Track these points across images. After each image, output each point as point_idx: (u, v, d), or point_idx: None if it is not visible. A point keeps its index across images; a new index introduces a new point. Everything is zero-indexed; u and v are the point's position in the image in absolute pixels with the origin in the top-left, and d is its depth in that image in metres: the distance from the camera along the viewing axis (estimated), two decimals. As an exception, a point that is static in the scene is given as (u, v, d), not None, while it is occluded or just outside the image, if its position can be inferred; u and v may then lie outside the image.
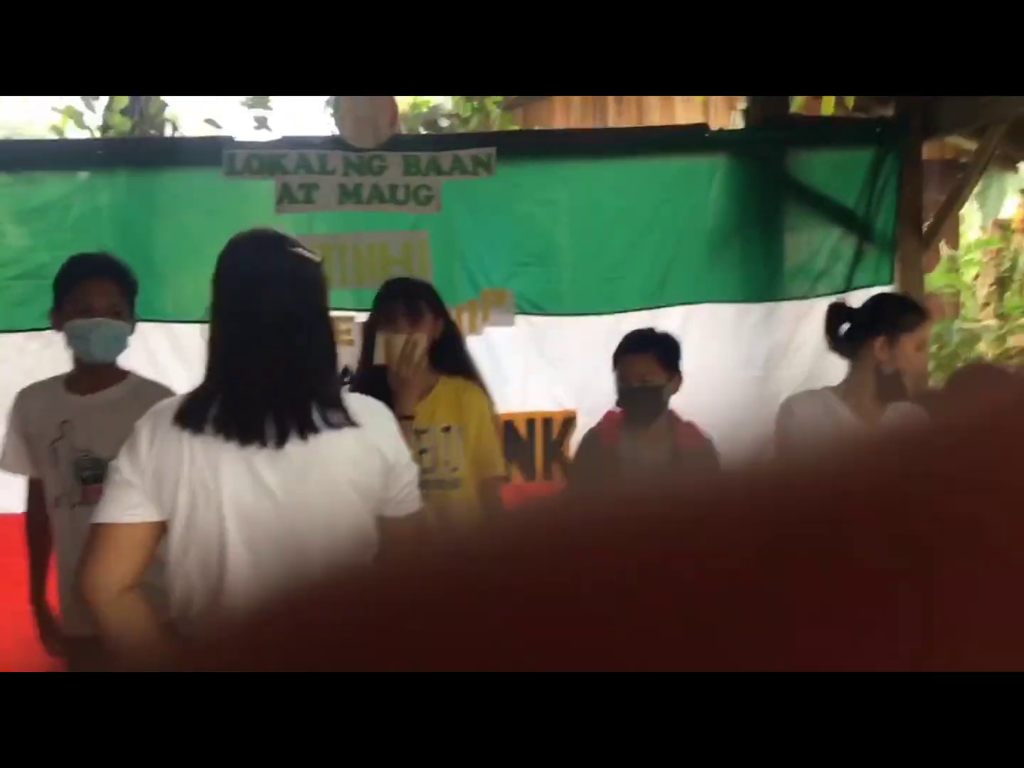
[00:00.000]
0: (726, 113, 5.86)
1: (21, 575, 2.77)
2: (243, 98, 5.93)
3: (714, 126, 3.38)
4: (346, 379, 3.19)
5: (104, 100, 5.80)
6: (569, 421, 3.28)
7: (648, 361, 2.65)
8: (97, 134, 5.82)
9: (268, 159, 3.12)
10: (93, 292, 2.38)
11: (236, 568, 1.53)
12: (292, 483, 1.54)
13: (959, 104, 3.19)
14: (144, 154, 3.29)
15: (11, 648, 2.94)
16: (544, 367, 3.26)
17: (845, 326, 2.56)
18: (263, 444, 1.53)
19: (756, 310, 3.29)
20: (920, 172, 3.29)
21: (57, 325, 2.42)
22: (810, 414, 2.53)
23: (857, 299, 3.17)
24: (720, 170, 3.27)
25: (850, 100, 4.08)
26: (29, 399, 2.49)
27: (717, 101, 5.70)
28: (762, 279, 3.30)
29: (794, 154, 3.30)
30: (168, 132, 5.62)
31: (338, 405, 1.58)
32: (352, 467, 1.58)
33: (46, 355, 3.05)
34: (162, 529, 1.55)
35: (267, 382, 1.55)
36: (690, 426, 2.75)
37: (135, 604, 1.53)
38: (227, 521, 1.53)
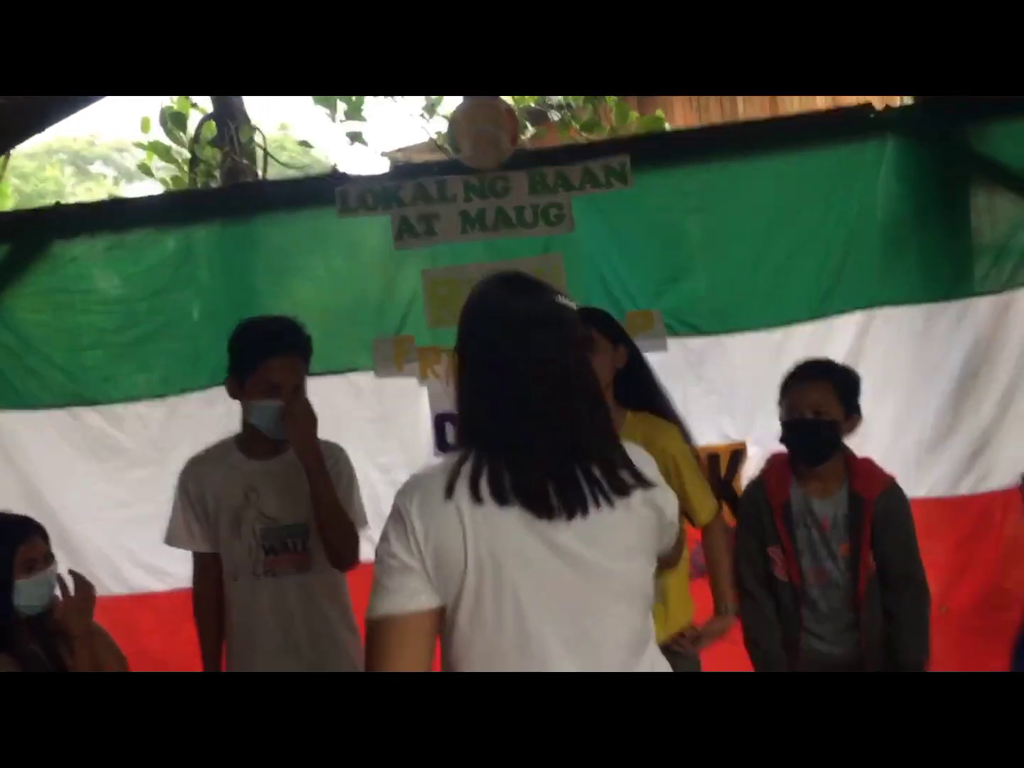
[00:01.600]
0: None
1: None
2: (336, 114, 6.11)
3: (876, 104, 3.30)
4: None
5: (191, 132, 6.08)
6: (738, 454, 3.27)
7: (823, 391, 2.59)
8: (185, 167, 6.10)
9: (383, 192, 3.22)
10: (282, 371, 2.51)
11: (542, 642, 1.55)
12: (584, 552, 1.56)
13: None
14: (255, 200, 3.42)
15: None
16: (705, 395, 3.25)
17: None
18: (554, 515, 1.55)
19: (947, 310, 3.19)
20: None
21: (235, 393, 2.56)
22: None
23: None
24: (889, 154, 3.19)
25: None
26: (204, 467, 2.63)
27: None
28: (950, 273, 3.20)
29: (975, 128, 3.19)
30: (259, 158, 5.83)
31: (626, 465, 1.61)
32: (637, 529, 1.63)
33: (171, 425, 3.24)
34: (441, 616, 1.56)
35: (560, 445, 1.57)
36: (869, 466, 2.67)
37: None
38: (523, 598, 1.54)
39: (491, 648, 1.56)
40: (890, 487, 2.63)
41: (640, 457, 1.67)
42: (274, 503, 2.57)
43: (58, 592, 2.34)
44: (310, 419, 2.46)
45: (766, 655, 2.68)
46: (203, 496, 2.60)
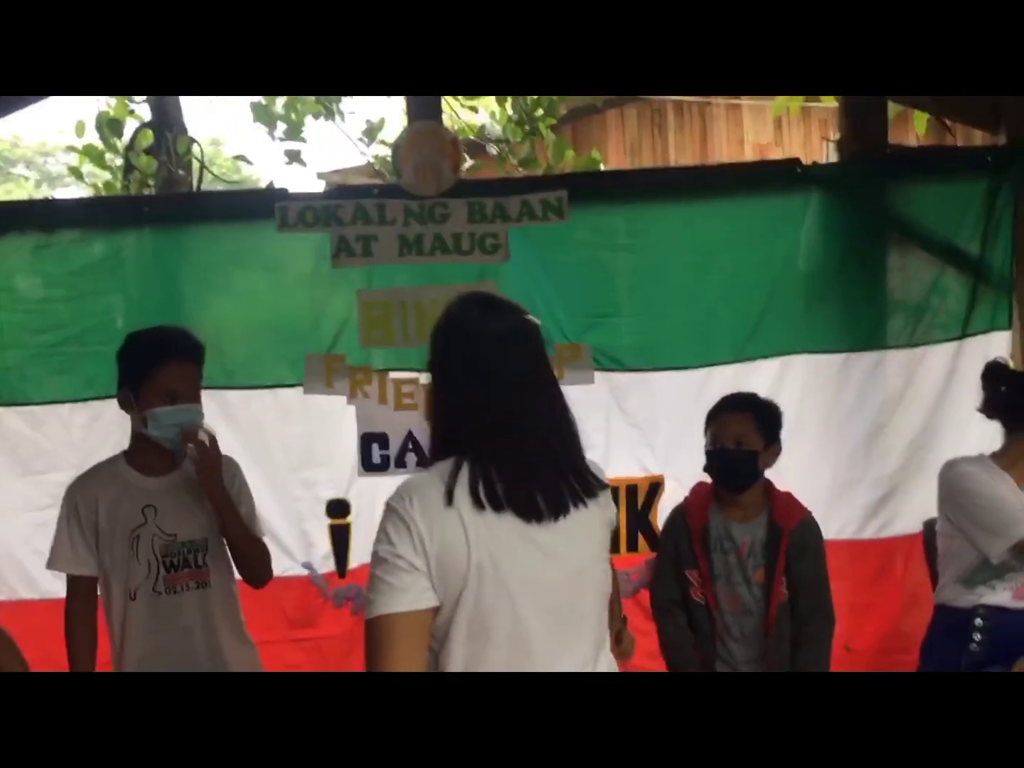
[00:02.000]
0: (800, 137, 5.92)
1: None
2: (276, 132, 6.07)
3: (787, 150, 3.41)
4: (410, 446, 3.26)
5: (126, 138, 5.97)
6: (656, 486, 3.31)
7: (745, 422, 2.69)
8: (119, 174, 5.98)
9: (323, 210, 3.21)
10: (179, 378, 2.48)
11: (534, 639, 1.64)
12: (566, 552, 1.67)
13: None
14: (191, 209, 3.39)
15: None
16: (627, 428, 3.29)
17: (1003, 389, 2.59)
18: (542, 519, 1.64)
19: (861, 360, 3.30)
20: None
21: (127, 404, 2.50)
22: (983, 471, 2.56)
23: (976, 346, 3.20)
24: (813, 208, 3.30)
25: (953, 128, 4.11)
26: (92, 487, 2.54)
27: (791, 125, 5.77)
28: (866, 326, 3.31)
29: (896, 188, 3.32)
30: (195, 170, 5.75)
31: (590, 471, 1.75)
32: (604, 528, 1.78)
33: (94, 429, 3.15)
34: (436, 615, 1.63)
35: (540, 454, 1.67)
36: (788, 499, 2.77)
37: None
38: (516, 596, 1.62)
39: (486, 642, 1.63)
40: (806, 519, 2.74)
41: (592, 462, 1.79)
42: (173, 519, 2.52)
43: None
44: (218, 463, 2.47)
45: (680, 655, 2.76)
46: (93, 516, 2.51)
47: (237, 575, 2.65)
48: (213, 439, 2.47)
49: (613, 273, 3.36)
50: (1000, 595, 2.53)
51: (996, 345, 3.24)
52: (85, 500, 2.52)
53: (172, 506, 2.52)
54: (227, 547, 2.59)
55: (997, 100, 3.36)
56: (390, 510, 1.63)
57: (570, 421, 1.74)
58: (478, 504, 1.61)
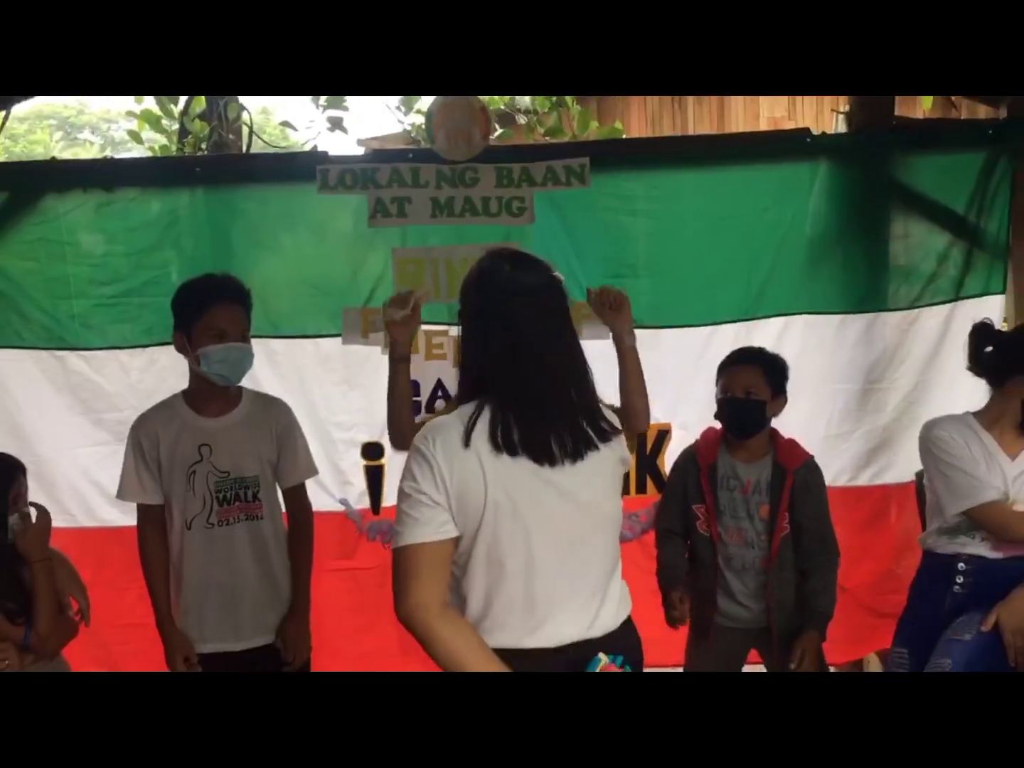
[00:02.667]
0: (812, 112, 5.94)
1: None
2: (319, 99, 6.19)
3: (801, 125, 3.47)
4: (439, 394, 3.42)
5: (181, 104, 6.13)
6: (663, 435, 3.46)
7: (754, 374, 2.83)
8: (174, 138, 6.16)
9: (361, 174, 3.36)
10: (227, 318, 2.66)
11: (547, 570, 1.77)
12: (579, 490, 1.79)
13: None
14: (239, 171, 3.55)
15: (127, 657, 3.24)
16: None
17: (988, 349, 2.66)
18: (555, 463, 1.76)
19: (858, 321, 3.42)
20: (1034, 177, 3.37)
21: (183, 347, 2.69)
22: (958, 435, 2.64)
23: (969, 309, 3.29)
24: (822, 176, 3.40)
25: (958, 102, 4.15)
26: (154, 425, 2.74)
27: (804, 101, 5.79)
28: (865, 289, 3.43)
29: (900, 158, 3.41)
30: (244, 136, 5.91)
31: (603, 417, 1.86)
32: (616, 467, 1.90)
33: (150, 373, 3.34)
34: (456, 544, 1.75)
35: (558, 402, 1.78)
36: (791, 443, 2.91)
37: (459, 617, 1.77)
38: (531, 530, 1.75)
39: (502, 571, 1.76)
40: (809, 461, 2.89)
41: (606, 409, 1.90)
42: (227, 458, 2.70)
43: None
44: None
45: (672, 575, 2.91)
46: (155, 451, 2.70)
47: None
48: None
49: (631, 236, 3.48)
50: (979, 545, 2.60)
51: (989, 309, 3.32)
52: (148, 437, 2.72)
53: (226, 444, 2.70)
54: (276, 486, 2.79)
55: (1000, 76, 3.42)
56: (415, 449, 1.75)
57: (587, 372, 1.84)
58: (495, 447, 1.72)
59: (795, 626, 2.81)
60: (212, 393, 2.72)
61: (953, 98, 4.16)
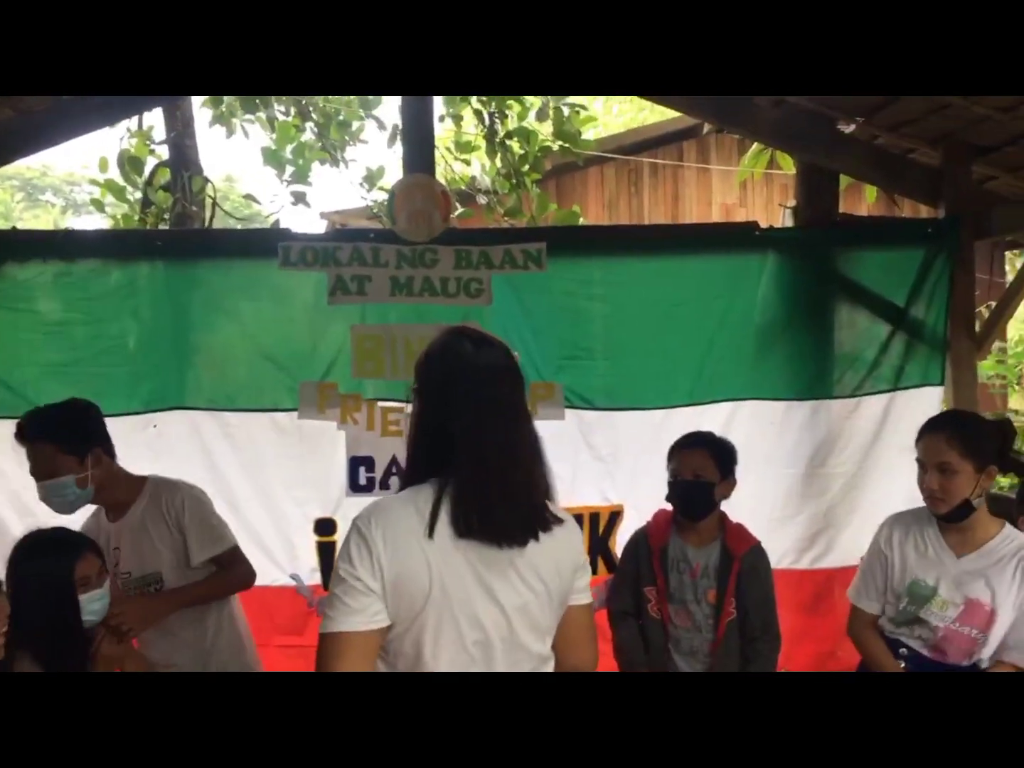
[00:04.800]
0: (763, 200, 6.09)
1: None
2: (284, 175, 6.19)
3: (752, 211, 3.53)
4: (393, 470, 3.35)
5: (145, 175, 6.08)
6: (616, 516, 3.41)
7: (703, 457, 2.80)
8: (137, 208, 6.10)
9: (322, 251, 3.32)
10: (32, 458, 2.53)
11: (474, 664, 1.65)
12: (518, 585, 1.66)
13: (1011, 208, 3.36)
14: (201, 246, 3.48)
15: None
16: (592, 462, 3.39)
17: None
18: (513, 545, 1.64)
19: (803, 407, 3.43)
20: (972, 273, 3.44)
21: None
22: (896, 530, 2.63)
23: (907, 399, 3.32)
24: (769, 268, 3.44)
25: (900, 201, 4.26)
26: (90, 524, 2.70)
27: (755, 188, 5.95)
28: (810, 377, 3.45)
29: (844, 253, 3.46)
30: (208, 207, 5.87)
31: (547, 507, 1.73)
32: (568, 558, 1.74)
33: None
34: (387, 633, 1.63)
35: (519, 484, 1.66)
36: (739, 528, 2.88)
37: None
38: (464, 624, 1.62)
39: (430, 661, 1.63)
40: (756, 546, 2.85)
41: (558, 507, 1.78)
42: (130, 559, 2.62)
43: None
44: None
45: (632, 657, 2.84)
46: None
47: None
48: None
49: (587, 320, 3.47)
50: (916, 643, 2.56)
51: (928, 399, 3.37)
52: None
53: (128, 544, 2.61)
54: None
55: (938, 177, 3.51)
56: (355, 530, 1.63)
57: (542, 453, 1.73)
58: (457, 530, 1.60)
59: None
60: (113, 495, 2.64)
61: (895, 197, 4.26)
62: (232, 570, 2.71)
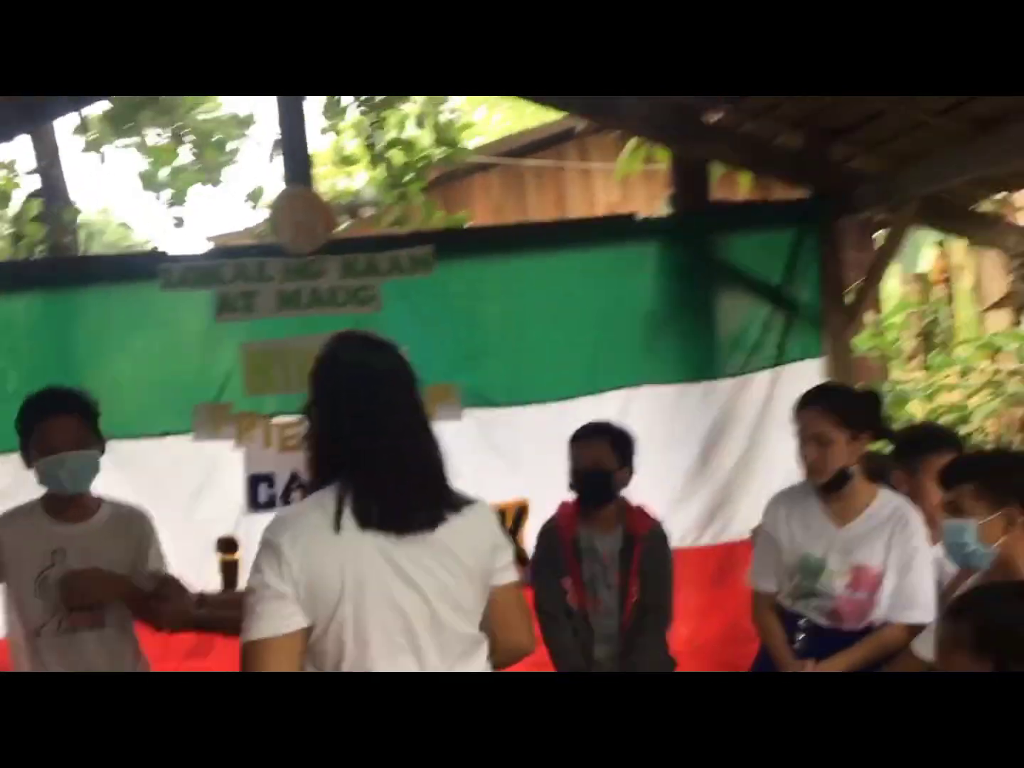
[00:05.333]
0: (645, 196, 6.24)
1: None
2: (161, 197, 6.07)
3: (634, 200, 3.64)
4: (294, 485, 3.32)
5: (14, 208, 5.89)
6: (522, 511, 3.45)
7: (600, 447, 2.86)
8: (9, 242, 5.89)
9: (205, 270, 3.28)
10: (55, 430, 2.49)
11: (396, 655, 1.66)
12: (434, 567, 1.68)
13: (872, 186, 3.53)
14: (78, 273, 3.39)
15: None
16: (494, 459, 3.41)
17: None
18: (420, 530, 1.66)
19: (695, 389, 3.54)
20: (838, 249, 3.60)
21: (28, 463, 2.53)
22: (780, 507, 2.72)
23: (791, 373, 3.45)
24: (650, 256, 3.54)
25: (773, 189, 4.43)
26: (7, 527, 2.56)
27: (638, 186, 6.10)
28: (698, 358, 3.56)
29: (720, 237, 3.59)
30: (83, 239, 5.71)
31: (454, 491, 1.77)
32: (483, 537, 1.77)
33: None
34: (309, 634, 1.64)
35: (416, 478, 1.69)
36: (640, 510, 2.95)
37: None
38: (381, 612, 1.64)
39: (357, 653, 1.65)
40: (654, 527, 2.91)
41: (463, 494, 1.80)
42: (80, 564, 2.52)
43: None
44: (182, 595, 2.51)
45: (572, 660, 2.85)
46: (2, 554, 2.54)
47: None
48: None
49: (474, 320, 3.52)
50: (813, 614, 2.64)
51: (809, 371, 3.49)
52: None
53: (80, 551, 2.53)
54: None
55: (802, 159, 3.67)
56: (263, 542, 1.65)
57: (438, 441, 1.76)
58: (360, 521, 1.63)
59: None
60: (68, 499, 2.56)
61: (768, 182, 4.43)
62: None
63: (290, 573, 1.60)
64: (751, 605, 2.78)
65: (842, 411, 2.55)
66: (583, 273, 3.53)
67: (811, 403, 2.60)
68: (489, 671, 1.78)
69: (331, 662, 1.66)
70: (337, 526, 1.63)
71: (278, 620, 1.61)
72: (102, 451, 2.57)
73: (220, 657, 3.28)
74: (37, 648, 2.51)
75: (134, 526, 2.64)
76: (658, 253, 3.55)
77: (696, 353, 3.56)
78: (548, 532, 2.99)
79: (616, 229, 3.63)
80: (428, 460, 1.74)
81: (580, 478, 2.88)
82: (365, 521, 1.64)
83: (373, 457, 1.68)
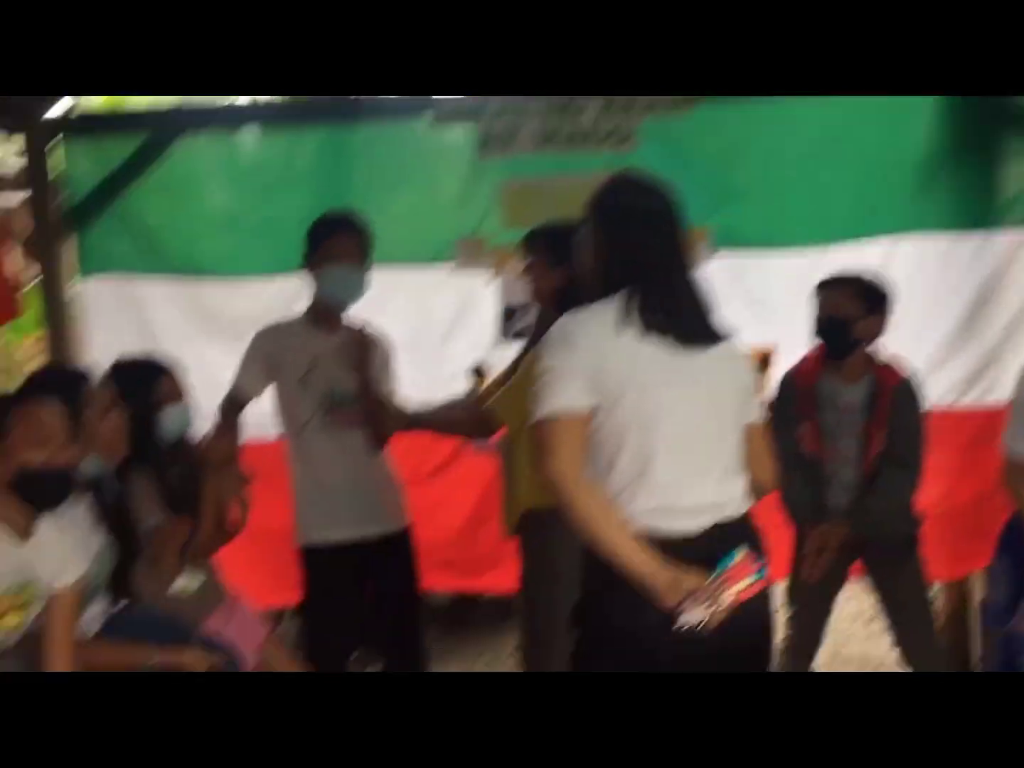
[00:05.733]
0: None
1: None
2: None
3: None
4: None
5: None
6: (767, 358, 3.41)
7: (842, 296, 2.79)
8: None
9: (471, 107, 3.39)
10: (343, 245, 2.80)
11: (678, 445, 1.82)
12: (709, 382, 1.86)
13: None
14: (348, 111, 3.57)
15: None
16: (745, 305, 3.34)
17: None
18: (698, 344, 1.85)
19: (968, 240, 3.29)
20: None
21: (310, 271, 2.85)
22: None
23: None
24: (932, 100, 3.26)
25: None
26: (273, 338, 2.90)
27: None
28: (975, 207, 3.29)
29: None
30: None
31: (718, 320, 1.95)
32: (743, 372, 1.98)
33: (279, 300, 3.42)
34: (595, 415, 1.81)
35: (697, 294, 1.90)
36: (891, 363, 2.85)
37: (600, 491, 1.83)
38: (666, 409, 1.80)
39: (638, 446, 1.80)
40: (907, 379, 2.83)
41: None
42: (333, 371, 2.83)
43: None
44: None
45: (795, 510, 2.90)
46: (271, 359, 2.87)
47: None
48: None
49: (732, 162, 3.41)
50: None
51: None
52: (264, 348, 2.90)
53: (334, 360, 2.83)
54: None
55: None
56: (552, 335, 1.83)
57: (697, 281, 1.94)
58: (647, 327, 1.80)
59: (891, 536, 2.80)
60: (325, 314, 2.88)
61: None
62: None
63: (579, 361, 1.77)
64: (1005, 472, 2.66)
65: None
66: (854, 116, 3.30)
67: None
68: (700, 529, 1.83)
69: (608, 454, 1.81)
70: (621, 329, 1.79)
71: (572, 393, 1.77)
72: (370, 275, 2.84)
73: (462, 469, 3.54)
74: (305, 443, 2.86)
75: (379, 348, 2.91)
76: (941, 99, 3.26)
77: (973, 201, 3.29)
78: (787, 380, 2.98)
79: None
80: (701, 287, 1.92)
81: (820, 326, 2.83)
82: (651, 325, 1.80)
83: (655, 282, 1.84)
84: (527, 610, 2.76)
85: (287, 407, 2.90)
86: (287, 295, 3.41)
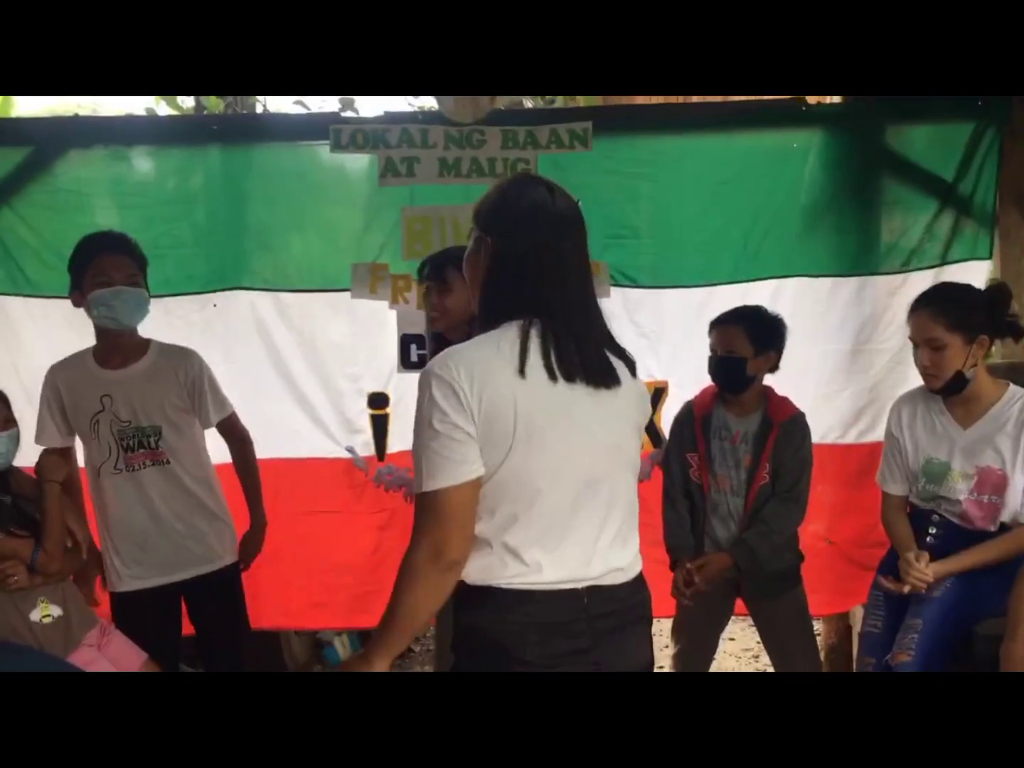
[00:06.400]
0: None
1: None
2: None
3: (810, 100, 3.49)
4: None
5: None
6: (660, 392, 3.47)
7: (736, 333, 2.85)
8: (190, 114, 6.17)
9: (372, 134, 3.36)
10: (110, 266, 2.67)
11: (568, 504, 1.60)
12: (610, 423, 1.65)
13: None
14: (253, 131, 3.53)
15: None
16: (637, 339, 3.41)
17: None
18: (599, 386, 1.62)
19: (849, 284, 3.42)
20: (1021, 147, 3.37)
21: (78, 302, 2.72)
22: (904, 409, 2.72)
23: (954, 274, 3.30)
24: (816, 144, 3.40)
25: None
26: (61, 374, 2.77)
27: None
28: (856, 253, 3.42)
29: (892, 128, 3.41)
30: (260, 111, 5.92)
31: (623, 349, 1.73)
32: (640, 406, 1.77)
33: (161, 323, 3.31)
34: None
35: (603, 328, 1.67)
36: (783, 400, 2.93)
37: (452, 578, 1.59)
38: (559, 462, 1.58)
39: (526, 503, 1.58)
40: (796, 415, 2.90)
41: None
42: (127, 408, 2.72)
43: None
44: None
45: (677, 549, 2.92)
46: (61, 398, 2.75)
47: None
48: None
49: (632, 199, 3.47)
50: (944, 515, 2.62)
51: (974, 273, 3.31)
52: (51, 386, 2.77)
53: (126, 395, 2.72)
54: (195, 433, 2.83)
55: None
56: (435, 380, 1.53)
57: (598, 305, 1.70)
58: (561, 372, 1.56)
59: (773, 571, 2.85)
60: (115, 346, 2.75)
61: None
62: (236, 439, 2.95)
63: (471, 412, 1.51)
64: (881, 507, 2.77)
65: (956, 313, 2.48)
66: (744, 158, 3.43)
67: (923, 306, 2.55)
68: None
69: (489, 509, 1.58)
70: (522, 371, 1.54)
71: (467, 466, 1.51)
72: (148, 297, 2.74)
73: (370, 503, 3.48)
74: (104, 484, 2.75)
75: (177, 367, 2.79)
76: (824, 141, 3.40)
77: (854, 247, 3.42)
78: (684, 410, 3.04)
79: (782, 115, 3.49)
80: (602, 319, 1.68)
81: (713, 362, 2.89)
82: (564, 373, 1.57)
83: (563, 304, 1.59)
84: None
85: (83, 447, 2.80)
86: (173, 317, 3.33)
